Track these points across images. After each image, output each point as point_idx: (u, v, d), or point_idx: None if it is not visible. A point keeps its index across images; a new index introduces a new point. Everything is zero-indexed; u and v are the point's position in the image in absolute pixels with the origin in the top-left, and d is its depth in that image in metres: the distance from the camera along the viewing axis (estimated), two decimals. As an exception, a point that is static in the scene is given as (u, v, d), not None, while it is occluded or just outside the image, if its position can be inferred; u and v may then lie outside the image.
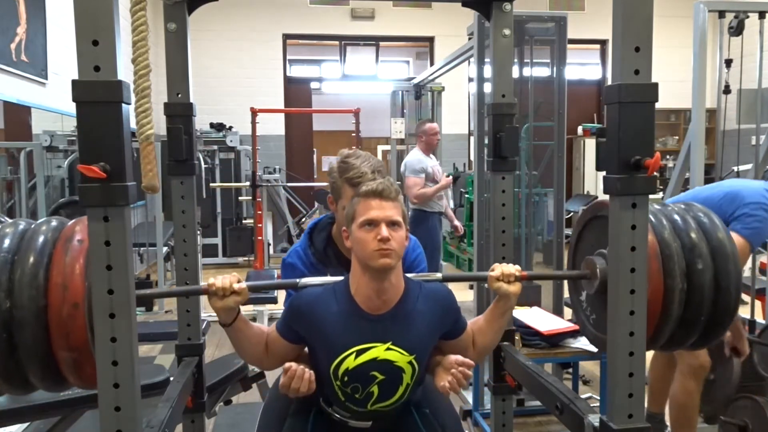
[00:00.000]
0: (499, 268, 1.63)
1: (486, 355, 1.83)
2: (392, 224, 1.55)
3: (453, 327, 1.69)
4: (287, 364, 1.55)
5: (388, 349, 1.58)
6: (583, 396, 2.75)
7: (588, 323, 1.70)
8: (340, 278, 1.66)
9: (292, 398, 1.76)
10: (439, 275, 1.75)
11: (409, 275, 1.69)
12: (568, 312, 3.73)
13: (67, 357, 1.27)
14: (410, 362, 1.60)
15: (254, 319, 5.36)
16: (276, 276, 5.37)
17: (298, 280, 1.68)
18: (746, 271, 5.45)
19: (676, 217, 1.55)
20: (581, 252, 1.70)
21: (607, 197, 1.35)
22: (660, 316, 1.46)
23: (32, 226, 1.36)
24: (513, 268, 1.62)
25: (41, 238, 1.30)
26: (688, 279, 1.46)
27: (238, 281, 1.52)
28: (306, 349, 1.70)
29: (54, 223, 1.37)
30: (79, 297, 1.24)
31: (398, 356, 1.59)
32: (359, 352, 1.57)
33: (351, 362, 1.57)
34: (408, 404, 1.72)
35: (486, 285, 1.68)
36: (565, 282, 3.52)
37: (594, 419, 1.37)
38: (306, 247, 1.96)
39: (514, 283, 1.62)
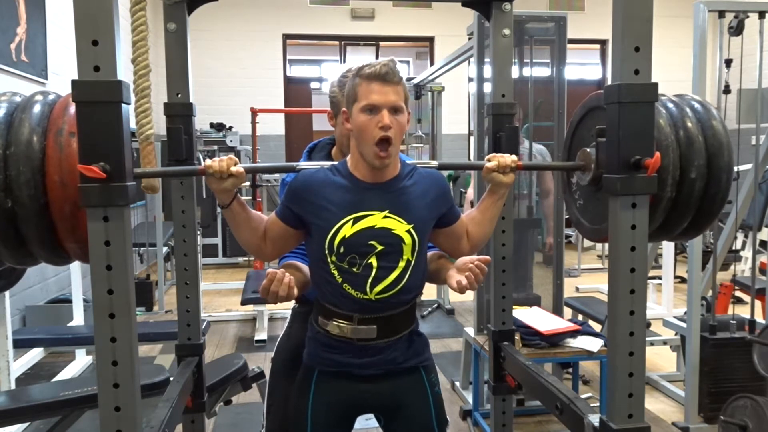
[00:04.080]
0: (495, 160, 1.61)
1: (480, 247, 1.78)
2: (394, 110, 1.53)
3: (448, 212, 1.67)
4: (269, 270, 1.52)
5: (386, 217, 1.56)
6: (583, 396, 2.76)
7: (575, 207, 1.72)
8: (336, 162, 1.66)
9: (296, 353, 1.74)
10: (435, 163, 1.75)
11: (405, 158, 1.68)
12: (568, 312, 3.73)
13: (74, 246, 1.28)
14: (409, 231, 1.57)
15: (254, 320, 5.37)
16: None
17: (295, 164, 1.67)
18: (746, 271, 5.46)
19: (672, 107, 1.52)
20: (577, 141, 1.70)
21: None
22: None
23: (18, 108, 1.31)
24: (509, 159, 1.61)
25: (31, 129, 1.25)
26: (678, 188, 1.45)
27: (235, 164, 1.50)
28: (306, 270, 1.67)
29: (44, 100, 1.33)
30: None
31: (396, 224, 1.56)
32: (356, 220, 1.55)
33: (348, 230, 1.54)
34: (418, 365, 1.68)
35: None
36: (565, 280, 3.54)
37: (594, 419, 1.37)
38: None
39: (509, 173, 1.62)
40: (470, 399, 3.49)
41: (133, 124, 1.27)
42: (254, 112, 6.47)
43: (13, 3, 4.56)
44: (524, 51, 3.60)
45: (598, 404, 3.33)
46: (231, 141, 8.09)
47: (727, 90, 3.21)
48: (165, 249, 6.24)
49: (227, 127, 8.16)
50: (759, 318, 3.31)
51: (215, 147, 8.00)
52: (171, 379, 1.97)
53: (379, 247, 1.55)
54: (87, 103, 1.15)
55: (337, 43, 9.62)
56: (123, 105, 1.16)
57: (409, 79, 6.48)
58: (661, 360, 4.28)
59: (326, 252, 1.55)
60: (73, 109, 1.25)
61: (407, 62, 11.83)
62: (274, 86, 9.23)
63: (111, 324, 1.17)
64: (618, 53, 1.27)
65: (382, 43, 9.74)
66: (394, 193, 1.59)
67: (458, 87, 8.07)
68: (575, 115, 1.71)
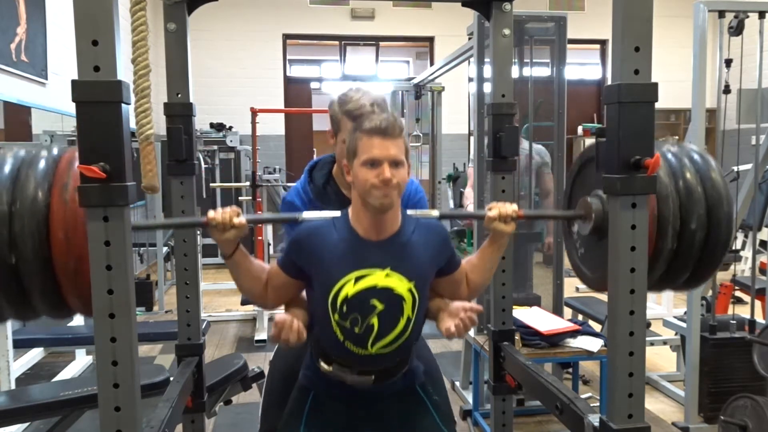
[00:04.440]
0: (496, 209, 1.62)
1: (478, 294, 1.79)
2: (395, 163, 1.53)
3: (448, 262, 1.68)
4: (277, 317, 1.52)
5: (388, 275, 1.56)
6: (583, 396, 2.76)
7: (576, 256, 1.71)
8: (340, 212, 1.66)
9: (295, 360, 1.75)
10: (436, 212, 1.75)
11: (407, 211, 1.69)
12: (568, 312, 3.73)
13: (77, 301, 1.28)
14: (410, 290, 1.57)
15: (254, 320, 5.37)
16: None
17: (298, 215, 1.67)
18: (746, 271, 5.46)
19: (672, 158, 1.52)
20: (577, 191, 1.70)
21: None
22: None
23: (24, 163, 1.30)
24: (510, 208, 1.61)
25: (36, 185, 1.26)
26: (679, 239, 1.45)
27: (238, 215, 1.50)
28: (304, 293, 1.68)
29: (50, 155, 1.32)
30: (83, 249, 1.22)
31: (398, 282, 1.56)
32: (358, 278, 1.55)
33: (350, 289, 1.54)
34: (413, 384, 1.71)
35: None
36: (565, 280, 3.54)
37: (594, 419, 1.37)
38: (305, 184, 1.96)
39: (510, 223, 1.62)
40: (470, 399, 3.49)
41: (133, 124, 1.27)
42: (254, 112, 6.45)
43: (13, 3, 4.56)
44: (524, 51, 3.59)
45: (598, 404, 3.33)
46: (231, 141, 8.09)
47: (727, 90, 3.21)
48: (165, 249, 6.24)
49: (227, 127, 8.15)
50: (759, 318, 3.31)
51: (215, 147, 8.00)
52: (171, 379, 1.97)
53: (380, 307, 1.56)
54: (87, 103, 1.14)
55: (337, 43, 9.62)
56: (123, 105, 1.16)
57: (409, 79, 6.48)
58: (661, 360, 4.28)
59: (329, 309, 1.56)
60: (77, 164, 1.26)
61: (407, 62, 11.84)
62: (274, 86, 9.23)
63: (111, 324, 1.17)
64: (618, 53, 1.27)
65: (382, 43, 9.73)
66: (395, 250, 1.59)
67: (458, 87, 8.07)
68: (575, 164, 1.72)
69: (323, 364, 1.63)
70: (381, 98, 1.87)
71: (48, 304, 1.29)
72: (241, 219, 1.50)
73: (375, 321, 1.56)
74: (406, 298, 1.57)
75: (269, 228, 7.94)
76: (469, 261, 1.74)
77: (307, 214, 1.67)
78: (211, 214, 1.50)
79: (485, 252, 1.70)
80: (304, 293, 1.70)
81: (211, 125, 8.08)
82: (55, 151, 1.34)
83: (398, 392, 1.69)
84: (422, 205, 1.96)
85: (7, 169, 1.28)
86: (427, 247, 1.62)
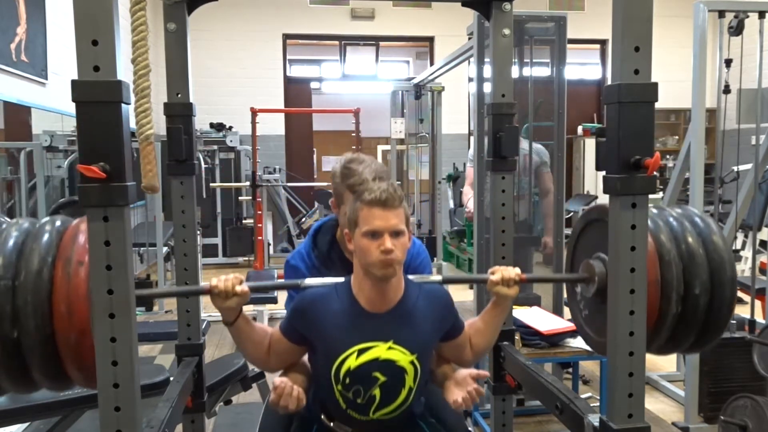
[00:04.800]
0: (499, 273, 1.62)
1: (483, 356, 1.83)
2: (396, 233, 1.54)
3: (452, 328, 1.69)
4: (276, 380, 1.55)
5: (390, 348, 1.57)
6: (583, 396, 2.75)
7: (580, 317, 1.70)
8: (342, 279, 1.66)
9: (293, 414, 1.76)
10: (439, 277, 1.75)
11: (409, 276, 1.69)
12: (567, 312, 3.73)
13: (79, 374, 1.28)
14: (412, 362, 1.59)
15: (255, 319, 5.36)
16: (276, 276, 5.38)
17: (300, 281, 1.68)
18: (746, 271, 5.45)
19: (674, 222, 1.52)
20: (580, 253, 1.69)
21: (606, 199, 1.34)
22: (651, 335, 1.45)
23: (29, 236, 1.31)
24: (513, 272, 1.62)
25: (39, 259, 1.26)
26: (683, 303, 1.45)
27: (240, 282, 1.51)
28: (306, 358, 1.69)
29: (53, 227, 1.33)
30: (85, 323, 1.23)
31: (400, 355, 1.58)
32: (360, 352, 1.56)
33: (353, 362, 1.56)
34: (413, 416, 1.72)
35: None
36: (565, 282, 3.54)
37: (594, 419, 1.37)
38: (309, 250, 1.96)
39: (513, 286, 1.62)
40: (470, 399, 3.48)
41: (133, 124, 1.27)
42: (254, 112, 6.47)
43: (13, 3, 4.56)
44: (524, 51, 3.60)
45: (598, 404, 3.33)
46: (231, 141, 8.09)
47: (727, 90, 3.21)
48: (165, 249, 6.23)
49: (227, 127, 8.16)
50: (759, 318, 3.31)
51: (215, 147, 8.00)
52: (171, 379, 1.97)
53: (383, 379, 1.58)
54: (87, 103, 1.14)
55: (337, 43, 9.62)
56: (123, 105, 1.16)
57: (409, 79, 6.48)
58: (661, 360, 4.27)
59: (332, 379, 1.58)
60: (82, 238, 1.27)
61: (407, 62, 11.83)
62: (274, 86, 9.22)
63: (111, 324, 1.17)
64: (618, 53, 1.27)
65: (382, 43, 9.73)
66: (398, 322, 1.59)
67: (458, 87, 8.07)
68: (576, 226, 1.71)
69: (324, 418, 1.67)
70: (382, 169, 1.88)
71: (48, 378, 1.29)
72: (244, 287, 1.51)
73: (377, 392, 1.58)
74: (408, 370, 1.59)
75: (269, 228, 7.95)
76: (472, 324, 1.74)
77: (310, 281, 1.68)
78: (213, 282, 1.51)
79: (489, 316, 1.71)
80: (306, 357, 1.71)
81: (211, 125, 8.08)
82: (58, 223, 1.34)
83: (398, 425, 1.70)
84: (425, 267, 1.96)
85: (11, 242, 1.28)
86: (431, 316, 1.63)
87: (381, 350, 1.57)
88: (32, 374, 1.28)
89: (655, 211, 1.56)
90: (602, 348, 1.63)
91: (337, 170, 1.90)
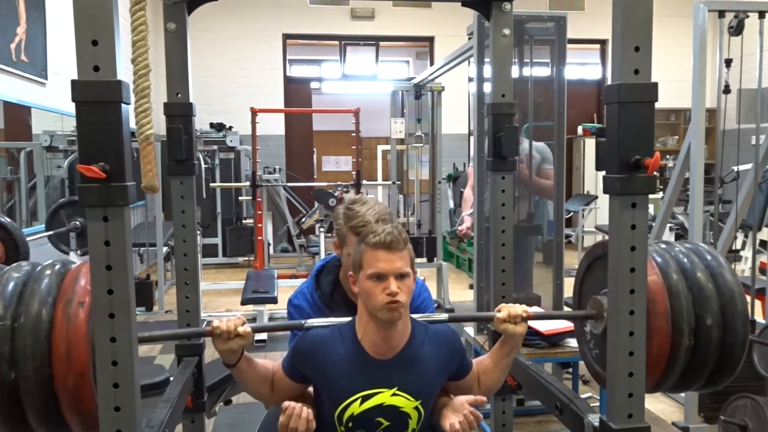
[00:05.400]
0: (505, 310, 1.61)
1: (492, 394, 1.80)
2: (401, 276, 1.53)
3: (459, 368, 1.67)
4: (285, 403, 1.53)
5: (394, 394, 1.56)
6: (583, 396, 2.75)
7: (590, 356, 1.67)
8: (347, 319, 1.65)
9: None
10: (444, 316, 1.73)
11: (414, 316, 1.67)
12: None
13: (76, 419, 1.27)
14: (416, 407, 1.58)
15: (254, 319, 5.36)
16: (276, 276, 5.38)
17: (304, 321, 1.67)
18: (746, 271, 5.46)
19: (684, 259, 1.51)
20: (587, 289, 1.67)
21: (607, 200, 1.34)
22: (664, 369, 1.46)
23: (30, 278, 1.30)
24: (519, 309, 1.61)
25: (40, 300, 1.25)
26: (695, 336, 1.44)
27: (243, 323, 1.50)
28: (311, 388, 1.68)
29: (54, 271, 1.32)
30: (85, 365, 1.22)
31: (404, 402, 1.57)
32: (365, 398, 1.55)
33: (356, 408, 1.55)
34: None
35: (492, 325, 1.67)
36: (565, 281, 3.54)
37: (594, 419, 1.37)
38: (313, 290, 1.96)
39: (521, 323, 1.61)
40: (470, 399, 3.48)
41: (132, 124, 1.27)
42: (254, 112, 6.46)
43: (13, 3, 4.56)
44: (524, 51, 3.59)
45: (598, 404, 3.33)
46: (231, 141, 8.09)
47: (727, 90, 3.21)
48: (165, 249, 6.23)
49: (227, 127, 8.16)
50: (759, 318, 3.31)
51: (215, 147, 8.00)
52: (171, 379, 1.97)
53: (386, 423, 1.57)
54: (87, 103, 1.14)
55: (337, 43, 9.62)
56: (123, 105, 1.16)
57: (409, 79, 6.48)
58: (661, 360, 4.27)
59: (335, 421, 1.57)
60: (83, 280, 1.27)
61: (407, 62, 11.83)
62: (274, 86, 9.23)
63: (111, 324, 1.17)
64: (618, 53, 1.27)
65: (382, 43, 9.73)
66: (403, 368, 1.58)
67: (458, 87, 8.07)
68: (582, 262, 1.69)
69: None
70: (386, 211, 1.88)
71: (45, 423, 1.26)
72: (246, 328, 1.50)
73: None
74: (413, 415, 1.58)
75: (269, 228, 7.94)
76: (480, 363, 1.72)
77: (313, 321, 1.67)
78: (215, 323, 1.50)
79: (498, 355, 1.69)
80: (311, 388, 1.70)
81: (211, 125, 8.08)
82: (57, 266, 1.34)
83: None
84: (427, 305, 1.96)
85: (12, 284, 1.28)
86: (437, 359, 1.62)
87: (385, 396, 1.56)
88: (28, 419, 1.25)
89: (663, 246, 1.55)
90: None
91: (339, 212, 1.90)
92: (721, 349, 1.46)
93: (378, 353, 1.57)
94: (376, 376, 1.56)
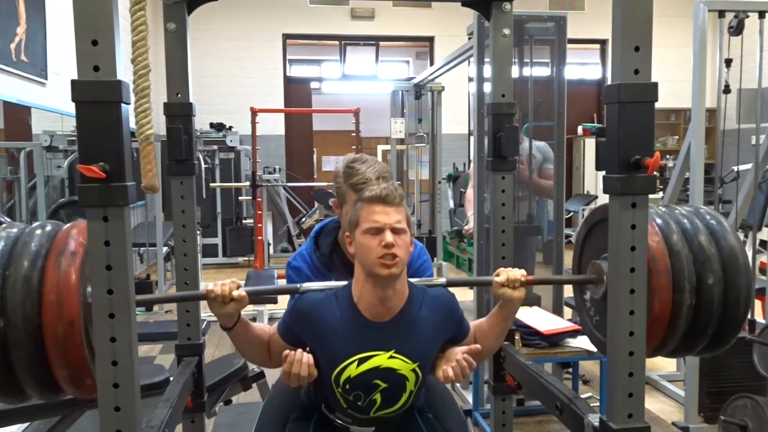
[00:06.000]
0: (504, 274, 1.60)
1: (488, 358, 1.82)
2: (397, 231, 1.53)
3: (456, 332, 1.67)
4: (285, 352, 1.53)
5: (391, 357, 1.56)
6: (583, 396, 2.75)
7: (591, 323, 1.68)
8: (343, 283, 1.65)
9: (292, 403, 1.76)
10: (443, 280, 1.73)
11: (412, 280, 1.67)
12: (568, 312, 3.73)
13: (65, 373, 1.25)
14: (413, 370, 1.58)
15: (254, 319, 5.36)
16: (276, 276, 5.37)
17: (299, 285, 1.67)
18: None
19: (685, 221, 1.51)
20: (587, 254, 1.67)
21: (607, 199, 1.34)
22: (666, 329, 1.45)
23: (23, 233, 1.30)
24: (518, 273, 1.60)
25: (32, 250, 1.25)
26: (697, 294, 1.43)
27: (238, 287, 1.50)
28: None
29: (48, 228, 1.33)
30: (75, 314, 1.21)
31: (401, 364, 1.57)
32: (361, 361, 1.55)
33: (353, 370, 1.55)
34: (411, 409, 1.71)
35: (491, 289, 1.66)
36: (565, 282, 3.53)
37: (594, 419, 1.37)
38: (312, 251, 1.95)
39: (519, 288, 1.60)
40: (470, 399, 3.49)
41: (132, 124, 1.27)
42: (254, 112, 6.47)
43: (13, 3, 4.56)
44: (524, 51, 3.59)
45: (598, 404, 3.33)
46: (231, 141, 8.09)
47: (727, 90, 3.21)
48: (165, 249, 6.23)
49: (227, 127, 8.16)
50: (759, 318, 3.31)
51: (215, 147, 8.00)
52: (171, 379, 1.97)
53: (384, 385, 1.57)
54: (87, 103, 1.14)
55: (337, 43, 9.62)
56: (123, 105, 1.16)
57: (409, 79, 6.48)
58: (661, 360, 4.27)
59: (332, 383, 1.57)
60: (77, 235, 1.26)
61: (407, 62, 11.83)
62: (274, 86, 9.23)
63: (111, 324, 1.17)
64: (618, 53, 1.27)
65: (382, 43, 9.73)
66: (400, 331, 1.58)
67: (458, 87, 8.07)
68: (582, 227, 1.69)
69: (325, 410, 1.67)
70: (385, 169, 1.88)
71: (35, 378, 1.24)
72: (241, 291, 1.49)
73: (378, 397, 1.58)
74: (410, 377, 1.59)
75: (269, 228, 7.94)
76: (478, 326, 1.73)
77: (309, 285, 1.67)
78: (209, 286, 1.49)
79: (495, 318, 1.69)
80: None
81: (211, 125, 8.08)
82: (51, 225, 1.34)
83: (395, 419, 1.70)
84: (426, 269, 1.95)
85: (4, 237, 1.28)
86: (435, 322, 1.62)
87: (382, 359, 1.56)
88: (17, 375, 1.24)
89: (663, 208, 1.55)
90: None
91: (339, 170, 1.89)
92: (723, 307, 1.45)
93: (374, 316, 1.57)
94: (373, 338, 1.56)
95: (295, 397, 1.79)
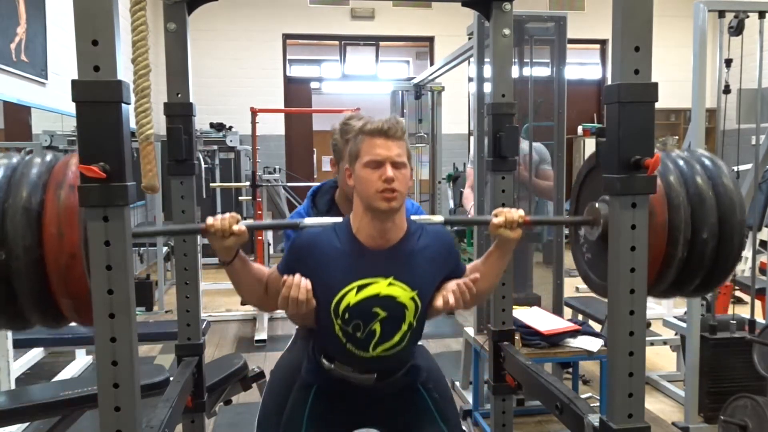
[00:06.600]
0: (502, 215, 1.58)
1: (484, 299, 1.79)
2: (397, 165, 1.52)
3: (454, 270, 1.66)
4: (284, 277, 1.52)
5: (391, 284, 1.55)
6: (583, 396, 2.76)
7: (582, 260, 1.70)
8: (340, 219, 1.64)
9: (294, 377, 1.74)
10: (441, 218, 1.73)
11: (411, 216, 1.67)
12: (568, 312, 3.74)
13: (68, 302, 1.25)
14: (413, 298, 1.57)
15: (254, 320, 5.37)
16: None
17: (299, 221, 1.66)
18: (746, 271, 5.46)
19: (681, 163, 1.51)
20: (584, 198, 1.68)
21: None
22: (656, 277, 1.46)
23: (21, 164, 1.29)
24: (516, 215, 1.58)
25: (31, 182, 1.24)
26: (689, 247, 1.44)
27: (237, 221, 1.48)
28: None
29: (48, 158, 1.31)
30: (76, 246, 1.21)
31: (401, 292, 1.56)
32: (360, 288, 1.54)
33: (352, 298, 1.54)
34: (415, 382, 1.71)
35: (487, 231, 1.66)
36: (565, 281, 3.54)
37: (594, 419, 1.37)
38: (309, 209, 1.97)
39: (516, 229, 1.59)
40: (470, 399, 3.49)
41: (133, 124, 1.27)
42: (254, 112, 6.45)
43: (13, 3, 4.56)
44: (524, 51, 3.59)
45: (598, 404, 3.33)
46: (231, 141, 8.09)
47: (727, 90, 3.21)
48: (165, 249, 6.24)
49: (227, 127, 8.15)
50: (759, 318, 3.31)
51: (215, 147, 8.00)
52: (171, 379, 1.97)
53: (383, 314, 1.56)
54: (87, 103, 1.14)
55: (337, 43, 9.62)
56: (123, 105, 1.16)
57: (409, 79, 6.48)
58: (661, 360, 4.28)
59: (331, 315, 1.56)
60: (75, 163, 1.25)
61: (407, 62, 11.83)
62: (274, 86, 9.23)
63: (111, 324, 1.17)
64: (618, 53, 1.27)
65: (382, 43, 9.73)
66: (399, 259, 1.57)
67: (458, 87, 8.06)
68: (581, 169, 1.70)
69: (325, 361, 1.63)
70: None
71: (38, 306, 1.25)
72: (241, 226, 1.48)
73: (377, 327, 1.56)
74: (409, 306, 1.57)
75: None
76: (474, 267, 1.71)
77: (308, 221, 1.66)
78: (209, 220, 1.48)
79: (491, 258, 1.67)
80: None
81: (211, 125, 8.08)
82: (49, 157, 1.33)
83: (400, 389, 1.69)
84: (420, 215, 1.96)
85: (3, 169, 1.27)
86: (432, 255, 1.61)
87: (381, 286, 1.55)
88: (20, 304, 1.24)
89: (662, 154, 1.54)
90: (604, 291, 1.62)
91: (336, 128, 1.91)
92: (714, 260, 1.46)
93: (374, 245, 1.56)
94: (372, 265, 1.55)
95: (297, 374, 1.78)
